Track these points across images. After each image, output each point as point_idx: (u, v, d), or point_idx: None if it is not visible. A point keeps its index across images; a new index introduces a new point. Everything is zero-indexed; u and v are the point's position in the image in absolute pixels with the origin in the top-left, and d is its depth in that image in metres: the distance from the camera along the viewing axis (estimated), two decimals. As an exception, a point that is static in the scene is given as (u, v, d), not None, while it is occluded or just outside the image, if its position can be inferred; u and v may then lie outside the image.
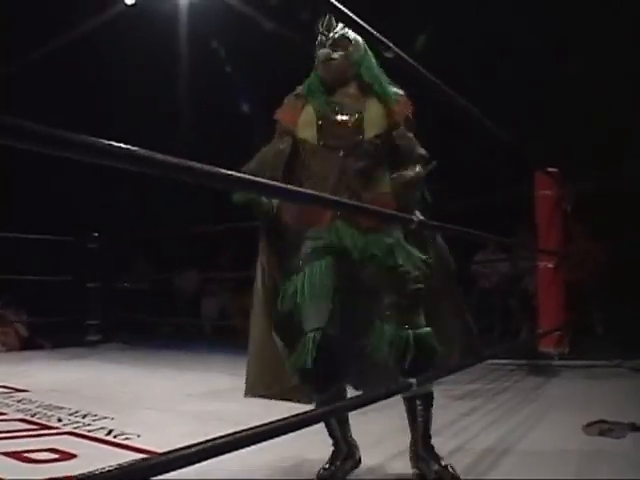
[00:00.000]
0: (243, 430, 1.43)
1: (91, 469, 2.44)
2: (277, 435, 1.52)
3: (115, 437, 3.11)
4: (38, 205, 9.40)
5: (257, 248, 2.61)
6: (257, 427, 1.46)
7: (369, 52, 2.56)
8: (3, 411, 3.81)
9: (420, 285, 2.36)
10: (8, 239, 7.88)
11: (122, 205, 10.88)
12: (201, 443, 1.34)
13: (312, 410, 1.72)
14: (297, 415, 1.64)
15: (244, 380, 2.60)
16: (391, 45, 2.20)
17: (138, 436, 3.11)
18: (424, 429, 2.41)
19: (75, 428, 3.32)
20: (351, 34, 2.51)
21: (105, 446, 2.98)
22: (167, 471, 1.25)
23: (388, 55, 2.22)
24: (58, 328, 8.44)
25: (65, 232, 8.13)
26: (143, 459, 1.30)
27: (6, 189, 9.14)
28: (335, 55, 2.50)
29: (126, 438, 3.08)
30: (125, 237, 9.19)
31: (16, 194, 9.46)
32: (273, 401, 4.05)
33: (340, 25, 2.51)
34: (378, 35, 2.12)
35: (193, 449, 1.31)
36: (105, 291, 8.27)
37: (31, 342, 7.90)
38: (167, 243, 10.44)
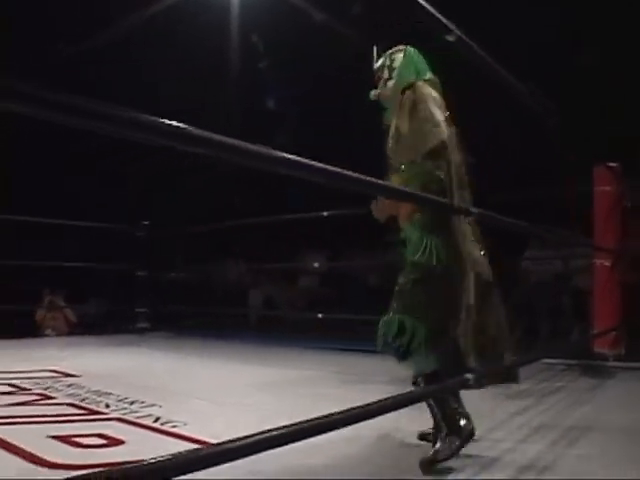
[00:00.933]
0: (307, 420, 1.40)
1: (139, 455, 2.45)
2: (346, 425, 1.49)
3: (162, 424, 3.10)
4: (88, 193, 9.51)
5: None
6: (329, 416, 1.44)
7: (400, 64, 2.73)
8: (53, 395, 3.84)
9: (411, 276, 2.53)
10: (60, 226, 7.98)
11: (172, 195, 10.96)
12: (258, 434, 1.31)
13: (372, 403, 1.68)
14: (356, 408, 1.59)
15: None
16: (453, 28, 2.13)
17: (185, 424, 3.09)
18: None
19: (123, 414, 3.32)
20: (380, 61, 2.78)
21: (152, 433, 2.97)
22: (220, 462, 1.22)
23: (450, 38, 2.15)
24: (107, 315, 8.55)
25: (116, 220, 8.21)
26: (196, 449, 1.28)
27: (56, 177, 9.29)
28: (374, 93, 2.79)
29: (173, 426, 3.06)
30: (175, 226, 9.25)
31: (65, 182, 9.60)
32: (319, 394, 4.04)
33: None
34: (441, 18, 2.05)
35: (250, 440, 1.28)
36: (154, 279, 8.33)
37: (80, 327, 8.01)
38: (216, 234, 10.48)
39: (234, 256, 10.27)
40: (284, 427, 1.43)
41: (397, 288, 2.58)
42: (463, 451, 2.55)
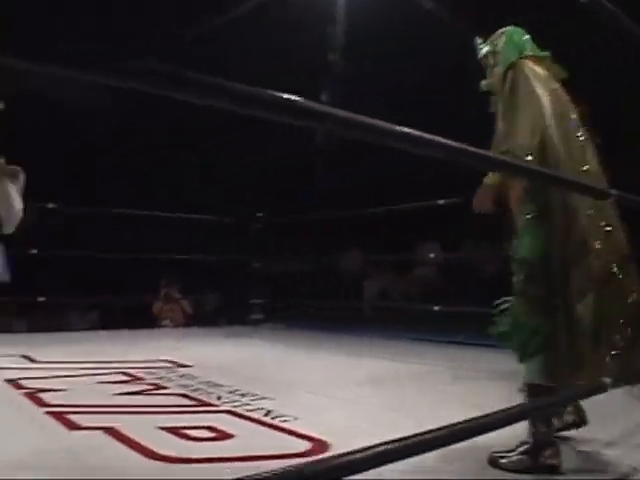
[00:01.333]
0: (445, 427, 1.29)
1: (248, 450, 2.36)
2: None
3: (273, 419, 3.01)
4: (204, 186, 9.64)
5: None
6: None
7: (502, 47, 2.59)
8: (166, 385, 3.84)
9: (520, 276, 2.38)
10: (177, 219, 8.14)
11: (287, 185, 10.96)
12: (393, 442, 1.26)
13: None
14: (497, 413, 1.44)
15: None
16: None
17: (295, 419, 2.99)
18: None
19: (234, 407, 3.26)
20: (484, 49, 2.65)
21: (262, 427, 2.88)
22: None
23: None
24: (222, 306, 8.64)
25: (230, 212, 8.29)
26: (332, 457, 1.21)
27: (172, 170, 9.47)
28: (484, 83, 2.66)
29: (283, 420, 2.97)
30: (289, 217, 9.21)
31: (182, 175, 9.77)
32: (432, 390, 3.87)
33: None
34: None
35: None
36: (269, 271, 8.34)
37: (195, 319, 8.13)
38: (331, 224, 10.37)
39: (350, 247, 10.16)
40: (430, 432, 1.40)
41: (513, 286, 2.44)
42: (599, 457, 2.33)
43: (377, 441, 1.30)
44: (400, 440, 1.33)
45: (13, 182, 5.65)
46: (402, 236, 9.02)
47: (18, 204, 5.62)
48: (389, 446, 1.29)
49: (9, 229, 5.61)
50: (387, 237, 9.53)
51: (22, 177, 5.73)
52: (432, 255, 8.00)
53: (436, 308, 6.51)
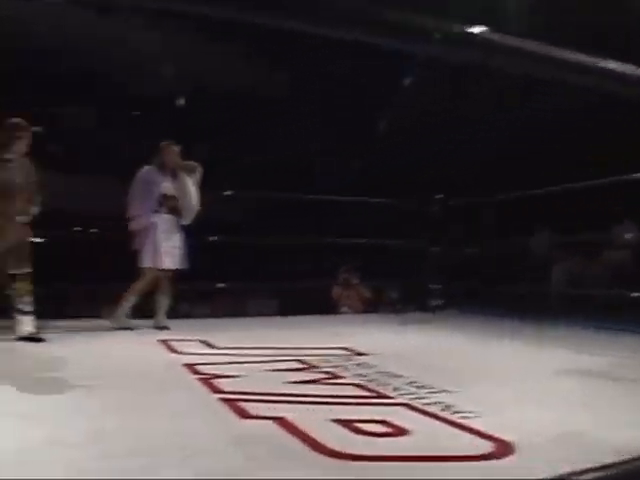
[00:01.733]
0: None
1: (422, 449, 2.15)
2: None
3: (452, 414, 2.78)
4: (386, 169, 9.52)
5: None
6: None
7: None
8: (342, 374, 3.71)
9: None
10: (355, 204, 8.07)
11: (467, 166, 10.59)
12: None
13: None
14: None
15: None
16: None
17: (477, 416, 2.73)
18: None
19: (410, 400, 3.06)
20: None
21: (440, 423, 2.66)
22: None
23: None
24: (402, 292, 8.47)
25: (409, 195, 8.12)
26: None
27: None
28: None
29: (464, 417, 2.72)
30: (470, 199, 8.82)
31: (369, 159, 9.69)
32: (629, 389, 3.46)
33: None
34: None
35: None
36: (449, 255, 8.06)
37: (374, 305, 8.03)
38: (518, 204, 9.81)
39: (535, 229, 9.58)
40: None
41: None
42: None
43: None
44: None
45: (190, 176, 5.85)
46: (594, 216, 8.32)
47: (195, 197, 5.80)
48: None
49: (187, 220, 5.80)
50: (576, 218, 8.85)
51: (199, 171, 5.91)
52: (628, 236, 7.32)
53: (634, 295, 5.95)
